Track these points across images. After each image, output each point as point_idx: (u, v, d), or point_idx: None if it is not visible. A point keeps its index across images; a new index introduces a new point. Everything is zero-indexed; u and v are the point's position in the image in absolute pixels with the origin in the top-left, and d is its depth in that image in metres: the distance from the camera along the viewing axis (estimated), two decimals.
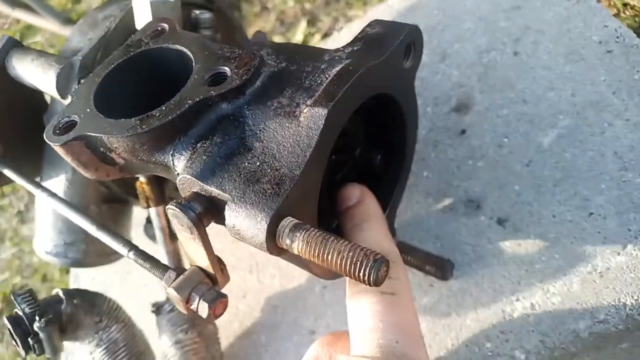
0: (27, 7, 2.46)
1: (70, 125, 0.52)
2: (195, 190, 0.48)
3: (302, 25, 1.66)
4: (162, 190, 0.72)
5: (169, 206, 0.46)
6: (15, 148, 0.78)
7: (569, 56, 0.71)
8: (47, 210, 0.75)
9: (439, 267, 0.63)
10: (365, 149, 0.64)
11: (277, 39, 1.69)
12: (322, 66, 0.50)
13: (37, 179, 0.78)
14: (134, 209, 0.83)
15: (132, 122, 0.49)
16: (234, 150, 0.47)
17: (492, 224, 0.64)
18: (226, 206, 0.44)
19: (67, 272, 1.70)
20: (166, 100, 0.52)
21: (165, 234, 0.73)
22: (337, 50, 0.52)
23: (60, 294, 0.69)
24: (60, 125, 0.53)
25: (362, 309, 0.48)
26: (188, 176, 0.47)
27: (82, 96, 0.55)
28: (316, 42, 1.59)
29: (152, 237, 0.77)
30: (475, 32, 0.80)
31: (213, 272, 0.50)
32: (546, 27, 0.74)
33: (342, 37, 0.99)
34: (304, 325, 0.71)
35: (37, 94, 0.78)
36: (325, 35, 1.58)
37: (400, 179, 0.64)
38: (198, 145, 0.48)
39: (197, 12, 0.72)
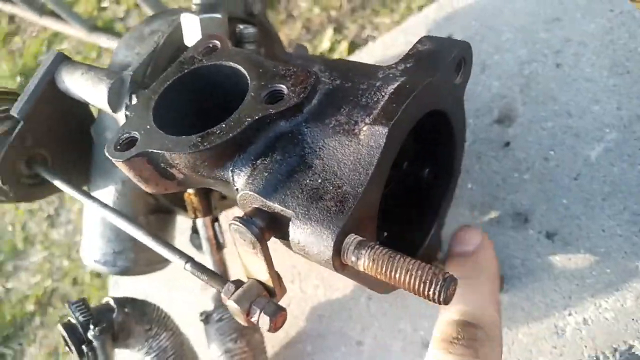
0: (54, 15, 2.51)
1: (131, 141, 0.54)
2: (256, 206, 0.49)
3: (329, 32, 1.67)
4: (209, 201, 0.74)
5: (232, 222, 0.47)
6: (63, 158, 0.80)
7: (612, 68, 0.70)
8: (96, 220, 0.77)
9: None
10: (413, 163, 0.65)
11: None
12: (377, 84, 0.51)
13: (84, 189, 0.79)
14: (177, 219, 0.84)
15: (194, 139, 0.50)
16: (295, 167, 0.48)
17: (541, 237, 0.64)
18: (290, 223, 0.45)
19: (98, 276, 1.74)
20: (220, 117, 0.54)
21: (212, 244, 0.74)
22: (390, 67, 0.53)
23: (112, 302, 0.71)
24: (121, 142, 0.54)
25: None
26: (250, 192, 0.48)
27: (141, 112, 0.56)
28: (343, 49, 1.60)
29: (198, 247, 0.78)
30: (515, 43, 0.81)
31: (272, 285, 0.51)
32: (588, 39, 0.74)
33: (375, 48, 1.00)
34: (351, 336, 0.72)
35: (84, 107, 0.80)
36: (352, 43, 1.59)
37: (448, 192, 0.64)
38: (258, 162, 0.49)
39: (242, 26, 0.73)
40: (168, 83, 0.58)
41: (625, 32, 0.72)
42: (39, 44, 2.69)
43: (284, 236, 0.49)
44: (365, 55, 1.00)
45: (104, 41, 2.30)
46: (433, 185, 0.64)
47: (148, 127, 0.54)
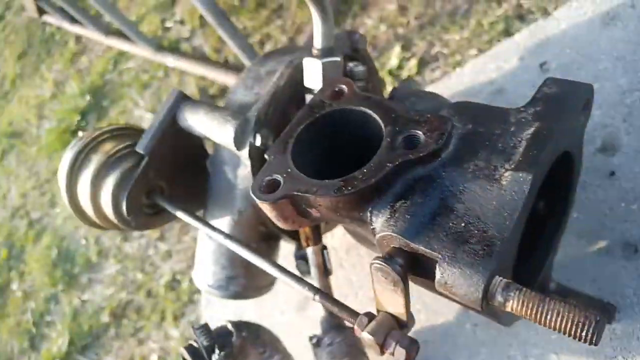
0: (119, 34, 2.63)
1: (274, 183, 0.58)
2: (395, 246, 0.52)
3: (396, 49, 1.70)
4: (319, 232, 0.78)
5: (374, 261, 0.51)
6: (178, 189, 0.86)
7: None
8: (210, 247, 0.82)
9: (602, 310, 0.65)
10: None
11: None
12: (512, 129, 0.54)
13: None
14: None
15: (337, 183, 0.54)
16: (436, 210, 0.52)
17: None
18: (438, 265, 0.48)
19: (173, 289, 1.81)
20: (350, 160, 0.58)
21: (320, 271, 0.78)
22: (520, 110, 0.56)
23: (229, 326, 0.76)
24: (264, 184, 0.59)
25: None
26: (393, 234, 0.51)
27: (279, 156, 0.60)
28: (412, 66, 1.62)
29: (304, 273, 0.82)
30: (614, 72, 0.82)
31: (404, 319, 0.55)
32: None
33: (464, 73, 1.02)
34: None
35: (199, 141, 0.86)
36: (422, 60, 1.62)
37: (562, 224, 0.66)
38: (397, 204, 0.53)
39: (352, 64, 0.77)
40: (302, 127, 0.63)
41: None
42: (106, 63, 2.81)
43: (422, 274, 0.53)
44: (455, 80, 1.03)
45: (171, 61, 2.39)
46: (547, 217, 0.67)
47: (289, 170, 0.58)
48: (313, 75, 0.71)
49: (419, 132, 0.55)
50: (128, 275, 2.01)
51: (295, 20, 2.07)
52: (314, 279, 0.80)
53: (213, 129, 0.75)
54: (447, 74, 1.56)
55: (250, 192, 0.58)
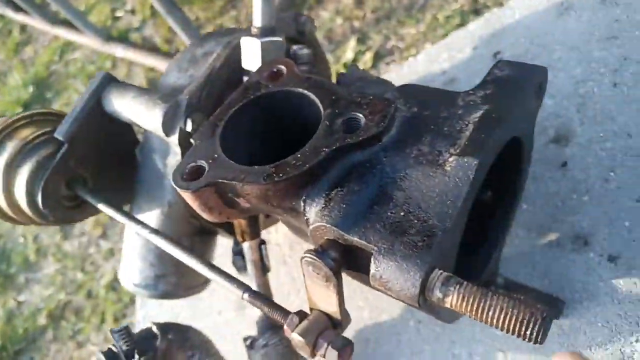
0: (67, 24, 2.50)
1: (198, 170, 0.52)
2: (330, 238, 0.47)
3: (352, 43, 1.66)
4: (257, 225, 0.72)
5: (305, 255, 0.46)
6: (103, 179, 0.79)
7: None
8: (137, 243, 0.76)
9: (551, 306, 0.62)
10: None
11: (326, 57, 1.68)
12: (459, 112, 0.49)
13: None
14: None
15: (267, 170, 0.49)
16: (373, 199, 0.47)
17: (603, 261, 0.63)
18: (373, 258, 0.44)
19: (114, 289, 1.71)
20: (288, 145, 0.53)
21: (257, 268, 0.73)
22: (469, 93, 0.52)
23: (154, 328, 0.69)
24: (187, 171, 0.53)
25: None
26: (327, 225, 0.46)
27: (206, 140, 0.55)
28: (367, 59, 1.58)
29: (240, 269, 0.77)
30: (568, 62, 0.79)
31: (339, 317, 0.50)
32: None
33: (418, 63, 0.99)
34: None
35: (127, 128, 0.79)
36: (377, 54, 1.58)
37: (510, 215, 0.63)
38: (333, 192, 0.48)
39: (296, 47, 0.72)
40: (234, 109, 0.57)
41: None
42: (52, 53, 2.67)
43: (358, 269, 0.48)
44: (407, 70, 0.99)
45: (120, 51, 2.29)
46: (495, 208, 0.63)
47: (216, 155, 0.53)
48: (251, 56, 0.66)
49: (359, 114, 0.50)
50: (68, 275, 1.90)
51: (250, 10, 2.00)
52: (250, 276, 0.74)
53: (140, 113, 0.68)
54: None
55: (171, 180, 0.52)
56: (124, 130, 0.79)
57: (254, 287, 0.75)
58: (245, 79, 0.69)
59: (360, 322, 0.78)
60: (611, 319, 0.61)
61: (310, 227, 0.48)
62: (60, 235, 1.96)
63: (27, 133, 0.75)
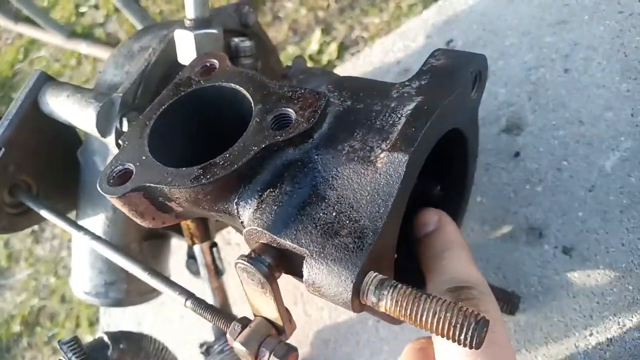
0: (30, 21, 2.44)
1: (125, 174, 0.50)
2: (264, 242, 0.45)
3: (317, 34, 1.63)
4: (207, 226, 0.70)
5: (238, 260, 0.44)
6: (48, 185, 0.76)
7: (625, 73, 0.68)
8: (85, 250, 0.73)
9: (506, 301, 0.60)
10: (423, 179, 0.62)
11: (291, 49, 1.66)
12: (392, 104, 0.47)
13: (72, 216, 0.75)
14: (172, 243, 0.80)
15: (195, 171, 0.46)
16: (306, 200, 0.45)
17: (558, 253, 0.62)
18: (304, 262, 0.42)
19: None
20: (222, 144, 0.50)
21: (210, 271, 0.70)
22: (404, 85, 0.50)
23: (106, 338, 0.67)
24: (115, 175, 0.50)
25: (453, 351, 0.44)
26: (258, 228, 0.44)
27: (134, 141, 0.52)
28: (332, 50, 1.56)
29: (195, 273, 0.74)
30: (520, 48, 0.78)
31: (281, 324, 0.48)
32: (597, 43, 0.72)
33: (373, 53, 0.96)
34: None
35: (70, 130, 0.76)
36: (342, 45, 1.56)
37: (461, 210, 0.61)
38: (265, 193, 0.46)
39: (237, 40, 0.70)
40: (163, 107, 0.54)
41: (637, 34, 0.69)
42: (15, 52, 2.61)
43: (295, 273, 0.46)
44: (362, 61, 0.96)
45: (84, 48, 2.23)
46: (444, 202, 0.61)
47: (144, 157, 0.50)
48: (186, 50, 0.63)
49: (290, 110, 0.48)
50: (41, 280, 1.86)
51: (214, 4, 1.96)
52: (204, 281, 0.72)
53: (75, 113, 0.65)
54: None
55: (97, 185, 0.50)
56: (65, 132, 0.76)
57: (209, 291, 0.73)
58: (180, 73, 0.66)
59: (320, 322, 0.76)
60: (566, 313, 0.59)
61: (244, 230, 0.46)
62: (32, 239, 1.91)
63: None
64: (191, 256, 0.74)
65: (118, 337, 0.68)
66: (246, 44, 0.69)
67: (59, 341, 0.63)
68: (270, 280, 0.43)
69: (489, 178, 0.70)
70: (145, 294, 0.75)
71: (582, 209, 0.63)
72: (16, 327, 1.77)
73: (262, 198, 0.46)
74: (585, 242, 0.61)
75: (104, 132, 0.64)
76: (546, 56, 0.75)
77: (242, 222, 0.48)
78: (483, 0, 0.87)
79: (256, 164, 0.46)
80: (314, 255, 0.41)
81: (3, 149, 0.69)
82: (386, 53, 0.94)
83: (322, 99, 0.48)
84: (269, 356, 0.46)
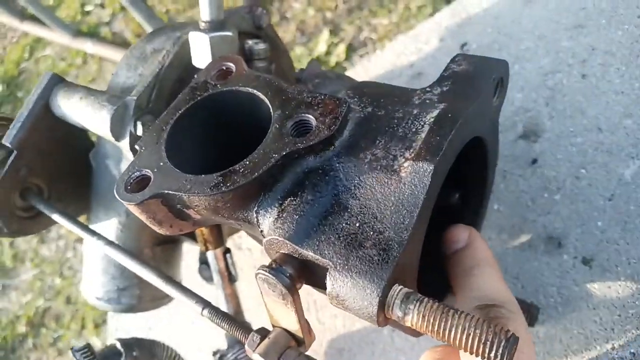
0: (35, 20, 2.43)
1: (143, 180, 0.49)
2: (285, 252, 0.44)
3: (325, 35, 1.62)
4: (220, 232, 0.69)
5: (259, 271, 0.43)
6: (59, 188, 0.75)
7: None
8: (97, 255, 0.72)
9: (524, 312, 0.59)
10: (442, 188, 0.61)
11: (299, 49, 1.65)
12: (414, 111, 0.47)
13: (83, 220, 0.74)
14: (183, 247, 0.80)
15: (214, 179, 0.46)
16: (328, 209, 0.44)
17: (577, 263, 0.61)
18: (328, 274, 0.41)
19: None
20: (239, 150, 0.49)
21: (224, 278, 0.69)
22: (425, 91, 0.49)
23: (119, 345, 0.66)
24: (132, 181, 0.49)
25: None
26: (279, 238, 0.43)
27: (151, 147, 0.51)
28: (340, 52, 1.55)
29: (207, 279, 0.73)
30: (536, 52, 0.77)
31: (301, 335, 0.47)
32: (615, 48, 0.71)
33: (385, 56, 0.96)
34: None
35: (82, 133, 0.75)
36: (350, 46, 1.55)
37: (479, 217, 0.61)
38: (286, 202, 0.45)
39: (251, 42, 0.69)
40: (180, 112, 0.53)
41: None
42: (21, 50, 2.60)
43: (316, 284, 0.45)
44: (374, 63, 0.95)
45: (90, 47, 2.23)
46: (462, 210, 0.60)
47: (161, 164, 0.49)
48: (201, 52, 0.62)
49: (310, 116, 0.47)
50: (46, 281, 1.85)
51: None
52: (217, 286, 0.71)
53: (88, 116, 0.64)
54: None
55: (115, 192, 0.49)
56: (78, 135, 0.75)
57: (222, 297, 0.72)
58: (194, 75, 0.66)
59: (334, 331, 0.75)
60: (587, 325, 0.58)
61: (264, 240, 0.45)
62: (37, 240, 1.91)
63: None
64: (203, 262, 0.73)
65: (131, 344, 0.67)
66: (260, 46, 0.68)
67: (72, 348, 0.63)
68: (292, 291, 0.42)
69: (506, 185, 0.69)
70: (158, 299, 0.74)
71: (601, 219, 0.62)
72: (21, 328, 1.76)
73: (282, 207, 0.45)
74: (605, 252, 0.60)
75: (117, 136, 0.63)
76: (563, 61, 0.74)
77: (261, 231, 0.47)
78: (497, 3, 0.86)
79: (277, 171, 0.45)
80: (338, 268, 0.40)
81: (15, 152, 0.69)
82: (398, 56, 0.93)
83: (343, 106, 0.47)
84: None
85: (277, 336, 0.47)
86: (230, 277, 0.70)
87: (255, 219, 0.46)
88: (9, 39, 2.73)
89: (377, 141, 0.46)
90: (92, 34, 2.27)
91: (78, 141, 0.76)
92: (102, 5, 2.38)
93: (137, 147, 0.52)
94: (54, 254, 1.84)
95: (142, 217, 0.49)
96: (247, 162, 0.46)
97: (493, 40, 0.82)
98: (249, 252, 0.91)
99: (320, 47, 1.61)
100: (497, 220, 0.68)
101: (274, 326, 0.49)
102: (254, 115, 0.53)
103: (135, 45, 0.73)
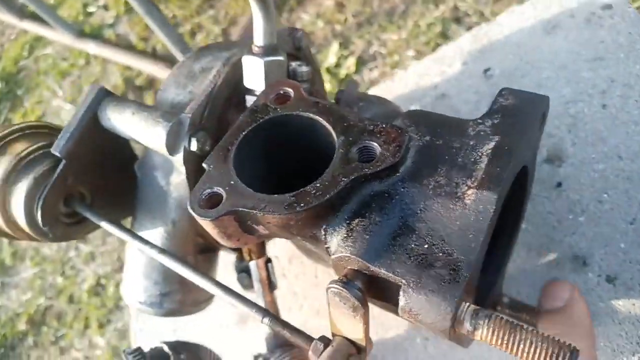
0: (35, 18, 2.42)
1: (212, 197, 0.52)
2: (354, 268, 0.48)
3: (334, 47, 1.66)
4: (263, 244, 0.72)
5: (331, 286, 0.46)
6: (101, 196, 0.77)
7: None
8: (140, 260, 0.75)
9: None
10: None
11: None
12: (471, 142, 0.51)
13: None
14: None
15: (288, 199, 0.49)
16: (396, 230, 0.48)
17: (601, 281, 0.66)
18: (402, 291, 0.45)
19: (97, 295, 1.68)
20: (290, 168, 0.53)
21: (264, 286, 0.73)
22: (477, 122, 0.53)
23: (166, 348, 0.69)
24: (203, 197, 0.52)
25: None
26: (351, 255, 0.47)
27: (219, 165, 0.54)
28: (350, 64, 1.59)
29: (246, 287, 0.76)
30: (557, 81, 0.82)
31: (363, 344, 0.51)
32: (634, 81, 0.76)
33: (409, 77, 1.00)
34: None
35: (125, 143, 0.78)
36: (360, 59, 1.59)
37: (514, 237, 0.65)
38: (354, 222, 0.49)
39: (294, 64, 0.72)
40: (244, 133, 0.57)
41: None
42: (19, 48, 2.59)
43: (382, 298, 0.49)
44: (398, 84, 1.00)
45: (93, 48, 2.23)
46: (499, 231, 0.65)
47: (232, 182, 0.52)
48: (254, 75, 0.66)
49: (374, 143, 0.51)
50: (47, 279, 1.85)
51: (229, 10, 1.98)
52: (258, 294, 0.74)
53: (142, 131, 0.67)
54: (385, 74, 1.54)
55: (189, 208, 0.52)
56: (121, 145, 0.78)
57: (262, 304, 0.75)
58: (248, 98, 0.69)
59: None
60: (613, 339, 0.63)
61: (333, 256, 0.49)
62: None
63: (20, 147, 0.73)
64: (242, 270, 0.76)
65: (178, 346, 0.70)
66: (303, 69, 0.72)
67: (123, 351, 0.65)
68: (363, 304, 0.46)
69: (533, 206, 0.74)
70: (199, 304, 0.77)
71: (624, 241, 0.67)
72: (22, 326, 1.76)
73: (350, 226, 0.49)
74: (628, 272, 0.65)
75: (172, 151, 0.66)
76: (583, 91, 0.79)
77: (327, 247, 0.50)
78: (519, 32, 0.91)
79: (345, 193, 0.49)
80: (412, 285, 0.44)
81: (64, 161, 0.71)
82: (421, 77, 0.97)
83: (405, 135, 0.51)
84: None
85: (340, 344, 0.51)
86: (270, 286, 0.73)
87: (323, 237, 0.50)
88: (7, 36, 2.71)
89: (439, 169, 0.50)
90: (95, 35, 2.27)
91: (120, 151, 0.78)
92: (105, 7, 2.38)
93: (204, 165, 0.55)
94: (55, 252, 1.84)
95: (213, 232, 0.53)
96: (318, 185, 0.49)
97: (515, 67, 0.87)
98: (276, 259, 0.94)
99: (330, 59, 1.65)
100: (526, 239, 0.72)
101: (334, 335, 0.52)
102: (311, 139, 0.57)
103: (182, 64, 0.76)
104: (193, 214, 0.52)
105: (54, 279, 1.79)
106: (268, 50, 0.65)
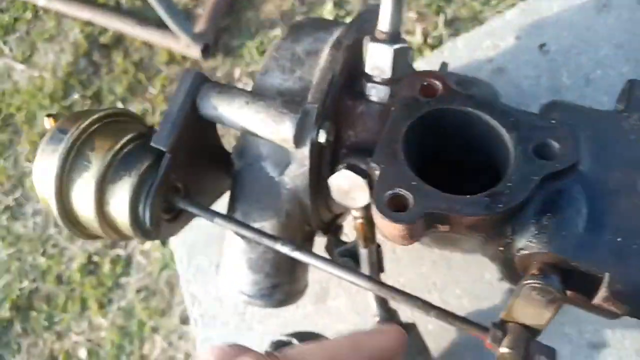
0: None
1: (396, 199, 0.52)
2: (547, 262, 0.51)
3: (328, 6, 1.62)
4: (374, 230, 0.73)
5: (530, 281, 0.49)
6: (194, 188, 0.74)
7: None
8: (244, 251, 0.73)
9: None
10: None
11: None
12: (632, 137, 0.55)
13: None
14: None
15: (482, 200, 0.51)
16: (587, 225, 0.51)
17: None
18: (606, 283, 0.48)
19: (91, 273, 1.60)
20: (449, 166, 0.55)
21: (374, 270, 0.74)
22: (626, 116, 0.57)
23: (294, 341, 0.69)
24: (386, 199, 0.53)
25: None
26: (549, 251, 0.50)
27: (390, 164, 0.54)
28: None
29: None
30: (616, 59, 0.87)
31: (541, 329, 0.55)
32: None
33: (458, 49, 1.01)
34: None
35: (213, 129, 0.74)
36: None
37: None
38: (544, 219, 0.51)
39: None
40: (405, 128, 0.57)
41: None
42: None
43: (575, 290, 0.52)
44: (449, 56, 1.01)
45: (41, 0, 2.01)
46: None
47: (413, 183, 0.53)
48: (380, 62, 0.64)
49: (552, 141, 0.53)
50: (26, 260, 1.72)
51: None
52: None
53: (259, 122, 0.65)
54: None
55: (375, 211, 0.52)
56: (212, 134, 0.74)
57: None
58: (366, 84, 0.68)
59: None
60: None
61: (521, 252, 0.52)
62: (8, 216, 1.76)
63: (109, 141, 0.68)
64: (344, 254, 0.77)
65: (304, 337, 0.70)
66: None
67: (270, 340, 0.65)
68: (564, 296, 0.50)
69: None
70: (301, 293, 0.78)
71: None
72: (5, 313, 1.64)
73: (541, 224, 0.51)
74: None
75: (299, 143, 0.64)
76: None
77: (509, 244, 0.53)
78: (569, 9, 0.94)
79: (534, 192, 0.52)
80: (616, 277, 0.48)
81: (169, 155, 0.67)
82: (474, 49, 0.99)
83: (574, 131, 0.54)
84: (539, 358, 0.53)
85: (517, 330, 0.54)
86: (380, 269, 0.75)
87: (510, 234, 0.53)
88: None
89: (612, 165, 0.53)
90: None
91: (210, 139, 0.75)
92: None
93: (373, 164, 0.55)
94: (31, 231, 1.71)
95: (400, 233, 0.53)
96: (510, 184, 0.51)
97: (571, 44, 0.91)
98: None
99: None
100: None
101: (504, 321, 0.56)
102: (465, 133, 0.59)
103: (280, 45, 0.72)
104: (383, 217, 0.51)
105: (34, 260, 1.68)
106: (393, 37, 0.64)
